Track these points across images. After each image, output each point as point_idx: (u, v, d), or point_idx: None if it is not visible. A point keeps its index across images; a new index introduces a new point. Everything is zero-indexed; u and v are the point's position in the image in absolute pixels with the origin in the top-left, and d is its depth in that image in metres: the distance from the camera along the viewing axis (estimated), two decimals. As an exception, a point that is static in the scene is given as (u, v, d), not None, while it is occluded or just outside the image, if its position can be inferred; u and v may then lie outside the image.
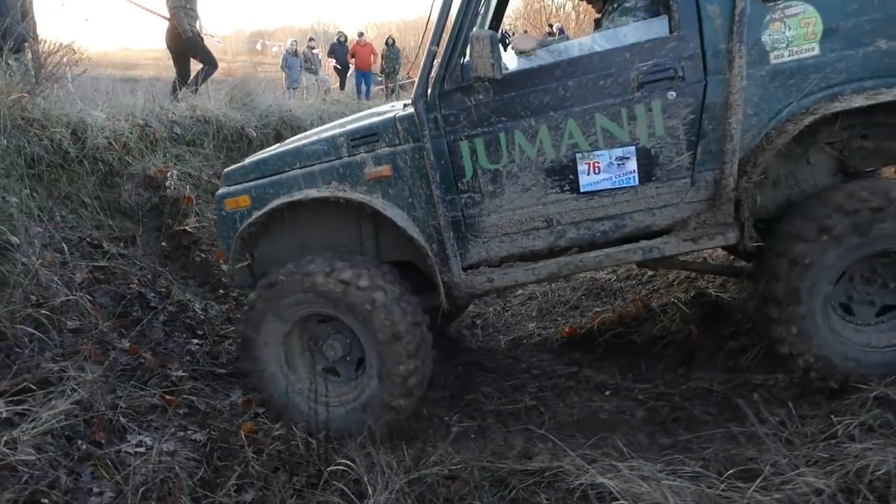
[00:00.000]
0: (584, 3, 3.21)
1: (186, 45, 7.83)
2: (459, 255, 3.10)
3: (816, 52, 2.76)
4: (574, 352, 4.18)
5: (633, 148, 2.91)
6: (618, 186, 2.96)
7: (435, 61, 2.99)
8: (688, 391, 3.50)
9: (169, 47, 8.05)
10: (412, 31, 28.78)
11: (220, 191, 3.39)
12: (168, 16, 7.94)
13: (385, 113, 3.32)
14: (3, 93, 3.70)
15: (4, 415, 2.54)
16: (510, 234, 3.08)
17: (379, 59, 16.94)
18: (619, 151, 2.92)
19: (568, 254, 3.10)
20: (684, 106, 2.85)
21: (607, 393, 3.62)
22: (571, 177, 2.97)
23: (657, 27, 2.91)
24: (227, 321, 4.28)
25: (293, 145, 3.35)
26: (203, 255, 4.67)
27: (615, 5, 3.12)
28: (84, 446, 2.54)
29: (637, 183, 2.95)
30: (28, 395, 2.72)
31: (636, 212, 3.00)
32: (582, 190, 2.98)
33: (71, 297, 3.24)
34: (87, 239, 3.82)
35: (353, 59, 16.38)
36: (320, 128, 3.82)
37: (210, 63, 8.07)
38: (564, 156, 2.95)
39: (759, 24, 2.77)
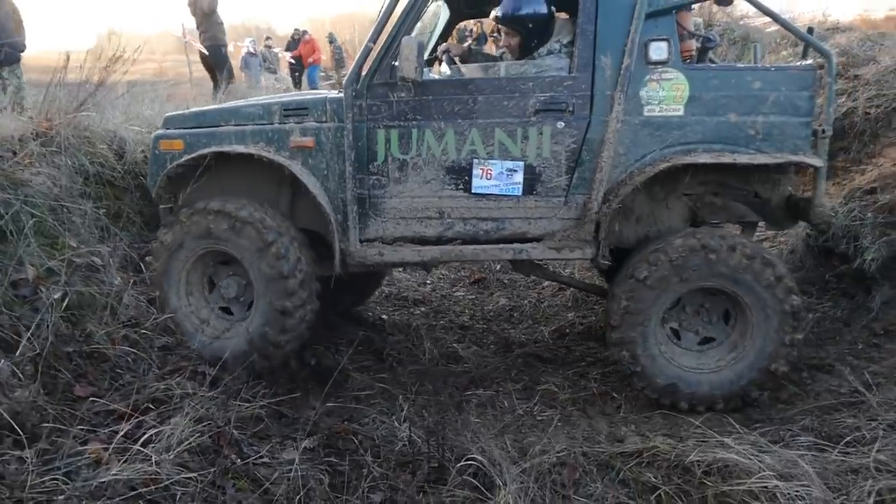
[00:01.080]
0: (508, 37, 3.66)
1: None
2: (359, 229, 3.50)
3: (681, 113, 3.27)
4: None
5: (521, 163, 3.38)
6: (504, 193, 3.42)
7: (370, 56, 3.39)
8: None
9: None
10: (347, 25, 28.53)
11: (158, 132, 3.72)
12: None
13: (318, 93, 3.73)
14: (62, 111, 3.63)
15: (136, 435, 2.56)
16: (406, 218, 3.50)
17: (322, 55, 16.90)
18: (509, 164, 3.38)
19: (452, 244, 3.51)
20: (569, 136, 3.33)
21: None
22: (466, 178, 3.41)
23: (560, 66, 3.40)
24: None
25: (232, 104, 3.73)
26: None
27: (543, 49, 3.52)
28: (222, 460, 2.58)
29: (520, 193, 3.41)
30: (145, 415, 2.73)
31: (515, 218, 3.46)
32: (473, 191, 3.42)
33: (157, 316, 3.25)
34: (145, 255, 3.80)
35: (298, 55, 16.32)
36: (259, 97, 4.12)
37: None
38: (464, 159, 3.39)
39: (640, 80, 3.26)
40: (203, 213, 3.47)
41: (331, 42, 16.79)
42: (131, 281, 3.34)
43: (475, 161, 3.39)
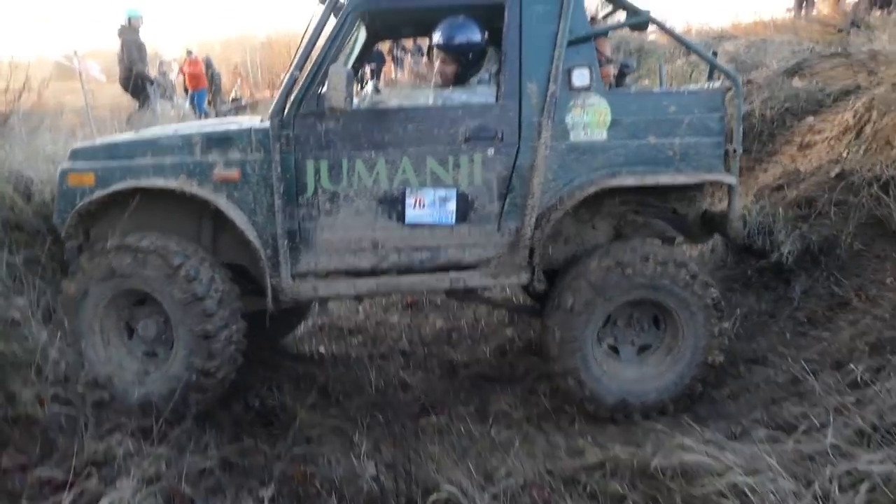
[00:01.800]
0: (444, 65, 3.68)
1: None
2: (290, 263, 3.40)
3: (604, 137, 3.37)
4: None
5: (454, 191, 3.38)
6: (437, 222, 3.41)
7: (296, 85, 3.32)
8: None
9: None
10: (238, 48, 27.92)
11: (65, 165, 3.48)
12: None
13: (242, 123, 3.63)
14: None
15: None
16: (340, 250, 3.43)
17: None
18: (441, 192, 3.38)
19: (388, 275, 3.48)
20: (500, 163, 3.38)
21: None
22: (399, 208, 3.38)
23: (487, 94, 3.44)
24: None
25: (148, 135, 3.56)
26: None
27: (474, 78, 3.59)
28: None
29: (454, 222, 3.41)
30: (87, 481, 2.52)
31: (450, 246, 3.46)
32: (407, 221, 3.39)
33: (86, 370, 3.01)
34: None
35: (185, 79, 15.75)
36: (174, 125, 4.04)
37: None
38: (396, 189, 3.37)
39: (565, 106, 3.34)
40: (102, 253, 3.26)
41: (207, 67, 16.08)
42: (58, 334, 3.07)
43: (408, 190, 3.37)
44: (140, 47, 10.20)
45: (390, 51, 14.06)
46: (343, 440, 3.46)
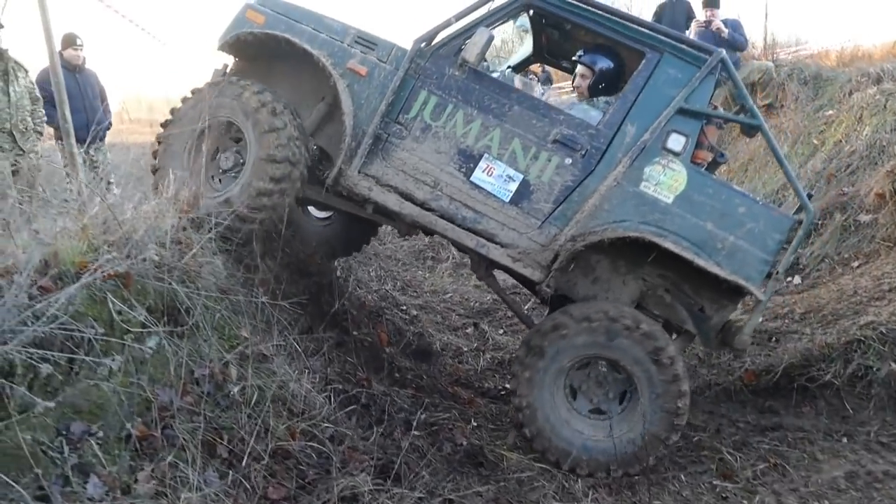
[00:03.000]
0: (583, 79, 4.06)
1: None
2: (364, 161, 3.72)
3: (670, 201, 3.53)
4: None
5: (522, 176, 3.65)
6: (494, 194, 3.67)
7: (448, 28, 3.74)
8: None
9: None
10: None
11: (251, 2, 3.97)
12: None
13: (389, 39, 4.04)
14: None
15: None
16: (407, 173, 3.73)
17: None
18: (511, 171, 3.66)
19: (432, 213, 3.73)
20: (571, 174, 3.62)
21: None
22: (471, 165, 3.68)
23: (593, 115, 3.75)
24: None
25: (319, 12, 3.98)
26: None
27: (600, 99, 3.97)
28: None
29: (507, 200, 3.67)
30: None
31: (493, 219, 3.69)
32: (471, 179, 3.68)
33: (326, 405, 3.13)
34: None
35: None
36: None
37: None
38: (477, 149, 3.67)
39: (650, 159, 3.55)
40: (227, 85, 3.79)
41: None
42: (305, 371, 3.23)
43: (486, 155, 3.67)
44: None
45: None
46: (556, 485, 3.41)
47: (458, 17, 3.72)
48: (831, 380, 4.15)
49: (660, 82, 3.58)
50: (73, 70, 6.34)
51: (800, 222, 3.53)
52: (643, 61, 3.63)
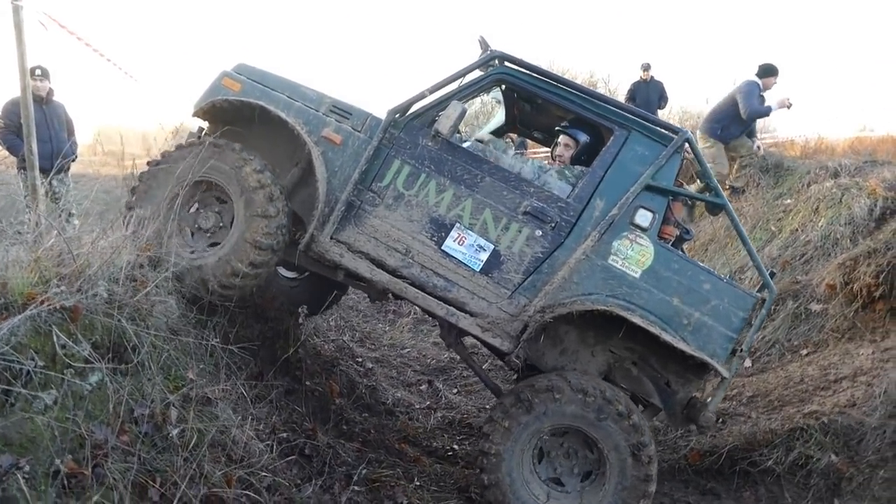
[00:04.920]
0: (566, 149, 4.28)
1: None
2: (336, 227, 3.79)
3: (637, 275, 3.65)
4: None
5: (492, 246, 3.74)
6: (465, 263, 3.76)
7: (422, 100, 3.85)
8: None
9: None
10: None
11: (227, 70, 4.07)
12: None
13: (363, 108, 4.14)
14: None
15: None
16: (378, 240, 3.80)
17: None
18: (482, 241, 3.75)
19: (403, 280, 3.78)
20: (541, 245, 3.73)
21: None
22: (443, 234, 3.77)
23: (563, 187, 3.87)
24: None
25: (294, 80, 4.09)
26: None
27: (563, 168, 4.03)
28: None
29: (478, 270, 3.75)
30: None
31: (463, 288, 3.76)
32: (443, 247, 3.76)
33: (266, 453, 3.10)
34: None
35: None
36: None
37: None
38: (449, 218, 3.77)
39: (618, 233, 3.69)
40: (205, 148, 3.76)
41: None
42: (249, 416, 3.20)
43: (457, 224, 3.75)
44: None
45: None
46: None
47: (432, 89, 3.83)
48: (773, 466, 4.21)
49: (627, 159, 3.72)
50: (39, 102, 6.37)
51: (763, 301, 3.64)
52: (612, 138, 3.78)
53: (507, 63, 3.90)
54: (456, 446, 4.87)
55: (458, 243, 3.73)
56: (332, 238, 3.78)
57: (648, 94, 10.91)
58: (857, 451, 4.06)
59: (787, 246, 7.03)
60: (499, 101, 4.76)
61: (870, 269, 5.44)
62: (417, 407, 5.52)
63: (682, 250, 4.10)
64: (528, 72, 3.88)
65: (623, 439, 3.48)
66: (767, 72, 7.78)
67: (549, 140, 4.55)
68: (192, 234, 3.83)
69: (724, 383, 3.65)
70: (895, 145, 11.71)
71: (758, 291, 3.80)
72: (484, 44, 4.12)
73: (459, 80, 3.88)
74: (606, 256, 3.65)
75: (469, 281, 3.73)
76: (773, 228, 7.58)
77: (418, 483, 4.05)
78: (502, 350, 3.75)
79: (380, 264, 3.78)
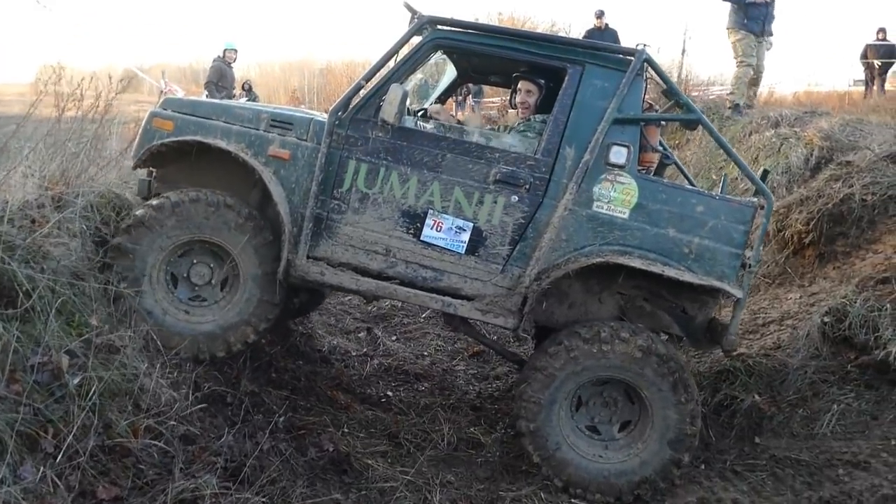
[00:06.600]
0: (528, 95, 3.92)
1: None
2: (309, 245, 3.60)
3: (626, 216, 3.48)
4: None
5: (471, 224, 3.56)
6: (449, 248, 3.58)
7: (360, 92, 3.61)
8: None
9: None
10: (297, 72, 28.69)
11: (154, 109, 3.87)
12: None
13: (306, 113, 3.95)
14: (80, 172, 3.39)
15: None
16: (355, 247, 3.63)
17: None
18: (460, 222, 3.57)
19: (390, 282, 3.65)
20: (520, 211, 3.54)
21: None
22: (418, 225, 3.58)
23: (528, 145, 3.62)
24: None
25: (227, 104, 3.93)
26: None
27: (521, 124, 3.80)
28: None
29: (463, 252, 3.58)
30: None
31: (453, 274, 3.61)
32: (422, 238, 3.59)
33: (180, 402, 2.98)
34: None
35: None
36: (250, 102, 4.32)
37: None
38: (420, 207, 3.57)
39: (596, 177, 3.48)
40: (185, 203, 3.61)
41: (244, 89, 15.68)
42: (157, 365, 3.06)
43: (430, 211, 3.56)
44: (224, 74, 11.40)
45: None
46: (417, 497, 3.37)
47: (367, 77, 3.61)
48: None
49: (587, 96, 3.49)
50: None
51: (761, 206, 3.50)
52: (566, 77, 3.53)
53: (439, 26, 3.63)
54: (390, 393, 4.83)
55: (436, 230, 3.56)
56: (308, 258, 3.60)
57: (603, 41, 10.79)
58: (779, 392, 4.14)
59: (727, 195, 7.06)
60: (444, 59, 4.44)
61: (801, 216, 5.51)
62: (354, 354, 5.44)
63: (665, 177, 3.90)
64: (463, 30, 3.65)
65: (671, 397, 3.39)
66: None
67: (507, 81, 4.27)
68: (176, 282, 3.70)
69: (740, 303, 3.48)
70: (839, 100, 11.99)
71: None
72: (410, 9, 3.81)
73: (394, 58, 3.63)
74: (590, 204, 3.48)
75: (457, 265, 3.58)
76: (713, 177, 7.62)
77: (346, 430, 4.00)
78: (507, 327, 3.64)
79: (363, 271, 3.63)
